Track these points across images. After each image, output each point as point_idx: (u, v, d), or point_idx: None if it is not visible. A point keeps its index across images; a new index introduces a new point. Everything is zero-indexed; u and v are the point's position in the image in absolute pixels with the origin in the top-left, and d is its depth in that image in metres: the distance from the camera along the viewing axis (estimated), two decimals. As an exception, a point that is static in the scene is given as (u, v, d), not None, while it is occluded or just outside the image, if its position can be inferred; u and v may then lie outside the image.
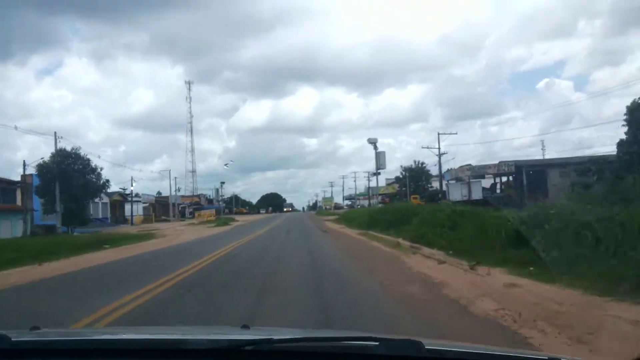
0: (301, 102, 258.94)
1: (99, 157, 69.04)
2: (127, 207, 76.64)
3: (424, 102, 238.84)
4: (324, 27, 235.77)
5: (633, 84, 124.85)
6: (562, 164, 52.16)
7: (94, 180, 42.46)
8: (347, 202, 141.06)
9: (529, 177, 52.71)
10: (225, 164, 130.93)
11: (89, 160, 42.71)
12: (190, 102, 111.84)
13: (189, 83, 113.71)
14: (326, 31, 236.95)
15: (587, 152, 64.08)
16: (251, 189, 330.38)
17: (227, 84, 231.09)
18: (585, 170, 49.25)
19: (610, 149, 44.74)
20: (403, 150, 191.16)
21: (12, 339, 1.61)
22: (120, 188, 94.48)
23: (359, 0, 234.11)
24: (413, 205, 24.35)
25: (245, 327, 2.02)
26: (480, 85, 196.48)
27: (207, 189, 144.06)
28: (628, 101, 38.83)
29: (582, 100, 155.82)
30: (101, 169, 43.33)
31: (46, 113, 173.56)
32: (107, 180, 44.02)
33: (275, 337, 1.61)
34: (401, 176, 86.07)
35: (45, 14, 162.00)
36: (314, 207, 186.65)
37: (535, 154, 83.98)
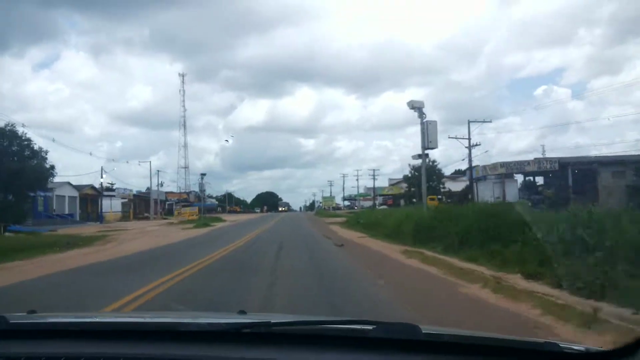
0: (299, 102, 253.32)
1: (54, 140, 57.77)
2: (106, 202, 66.65)
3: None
4: (325, 28, 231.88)
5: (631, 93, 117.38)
6: (615, 162, 42.34)
7: (35, 166, 32.31)
8: (346, 202, 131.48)
9: (574, 176, 42.99)
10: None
11: (29, 140, 32.64)
12: (183, 96, 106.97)
13: (182, 76, 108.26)
14: (327, 32, 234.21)
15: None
16: (248, 187, 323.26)
17: (225, 82, 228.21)
18: (646, 170, 39.81)
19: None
20: (400, 154, 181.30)
21: (10, 321, 1.56)
22: (108, 183, 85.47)
23: (360, 2, 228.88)
24: (508, 208, 13.75)
25: (242, 312, 1.96)
26: (478, 91, 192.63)
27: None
28: (625, 110, 29.28)
29: (579, 108, 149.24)
30: (46, 152, 33.25)
31: (42, 107, 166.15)
32: (52, 167, 33.80)
33: (273, 321, 1.58)
34: (410, 175, 75.84)
35: (43, 6, 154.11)
36: (311, 207, 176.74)
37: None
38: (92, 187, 62.35)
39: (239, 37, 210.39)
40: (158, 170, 72.15)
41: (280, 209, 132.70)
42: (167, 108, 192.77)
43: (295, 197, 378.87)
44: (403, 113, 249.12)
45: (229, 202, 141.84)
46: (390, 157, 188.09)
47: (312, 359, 1.39)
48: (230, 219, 60.72)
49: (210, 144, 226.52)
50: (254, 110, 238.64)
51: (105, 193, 66.96)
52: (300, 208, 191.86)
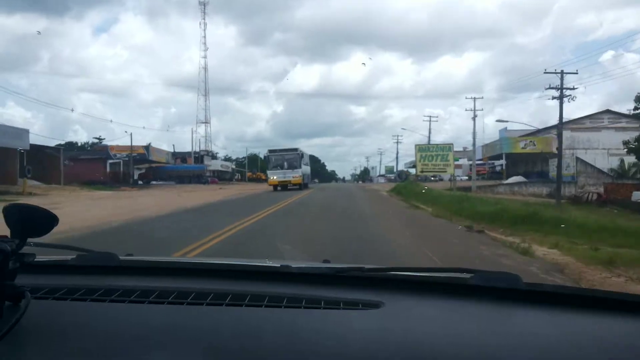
0: (353, 67, 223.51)
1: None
2: None
3: (480, 71, 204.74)
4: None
5: None
6: None
7: None
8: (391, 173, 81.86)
9: None
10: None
11: None
12: (204, 30, 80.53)
13: (203, 4, 79.79)
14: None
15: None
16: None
17: (279, 46, 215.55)
18: None
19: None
20: (452, 123, 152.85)
21: (120, 258, 1.59)
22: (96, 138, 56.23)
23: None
24: None
25: (326, 261, 1.88)
26: (541, 56, 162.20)
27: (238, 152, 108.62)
28: None
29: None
30: None
31: (100, 69, 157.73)
32: None
33: (367, 267, 1.50)
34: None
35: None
36: (362, 176, 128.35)
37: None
38: None
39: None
40: None
41: (273, 177, 33.75)
42: (221, 73, 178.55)
43: (343, 166, 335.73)
44: (459, 79, 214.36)
45: (250, 166, 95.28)
46: (442, 126, 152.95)
47: (414, 303, 1.31)
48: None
49: (261, 109, 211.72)
50: (306, 76, 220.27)
51: None
52: (344, 178, 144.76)
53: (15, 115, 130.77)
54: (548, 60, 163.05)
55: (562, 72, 25.42)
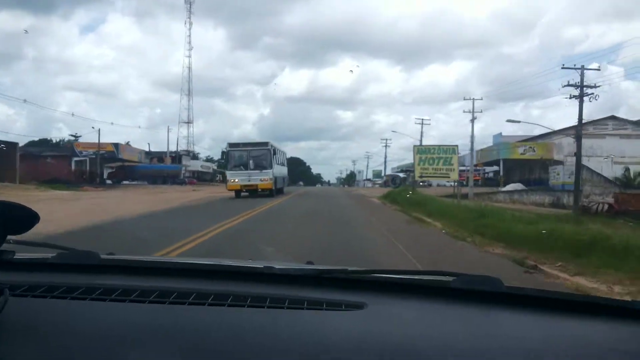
0: (341, 73, 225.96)
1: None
2: None
3: (467, 80, 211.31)
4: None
5: None
6: None
7: None
8: (379, 177, 78.32)
9: None
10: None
11: None
12: (190, 28, 78.36)
13: (189, 2, 77.93)
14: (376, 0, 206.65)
15: None
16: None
17: (267, 50, 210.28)
18: None
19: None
20: (439, 129, 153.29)
21: (101, 256, 1.57)
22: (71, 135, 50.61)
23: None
24: None
25: (309, 262, 1.84)
26: (528, 66, 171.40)
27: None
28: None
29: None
30: None
31: (86, 68, 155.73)
32: None
33: (350, 269, 1.50)
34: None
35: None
36: (348, 179, 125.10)
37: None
38: None
39: (284, 2, 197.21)
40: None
41: (234, 179, 25.49)
42: (209, 75, 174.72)
43: (330, 169, 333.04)
44: (446, 87, 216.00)
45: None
46: (429, 132, 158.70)
47: (397, 305, 1.29)
48: None
49: (248, 112, 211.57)
50: (294, 80, 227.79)
51: None
52: (328, 182, 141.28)
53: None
54: (534, 71, 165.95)
55: (582, 68, 22.18)
